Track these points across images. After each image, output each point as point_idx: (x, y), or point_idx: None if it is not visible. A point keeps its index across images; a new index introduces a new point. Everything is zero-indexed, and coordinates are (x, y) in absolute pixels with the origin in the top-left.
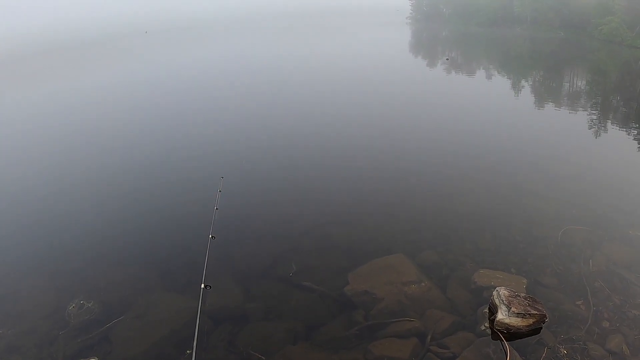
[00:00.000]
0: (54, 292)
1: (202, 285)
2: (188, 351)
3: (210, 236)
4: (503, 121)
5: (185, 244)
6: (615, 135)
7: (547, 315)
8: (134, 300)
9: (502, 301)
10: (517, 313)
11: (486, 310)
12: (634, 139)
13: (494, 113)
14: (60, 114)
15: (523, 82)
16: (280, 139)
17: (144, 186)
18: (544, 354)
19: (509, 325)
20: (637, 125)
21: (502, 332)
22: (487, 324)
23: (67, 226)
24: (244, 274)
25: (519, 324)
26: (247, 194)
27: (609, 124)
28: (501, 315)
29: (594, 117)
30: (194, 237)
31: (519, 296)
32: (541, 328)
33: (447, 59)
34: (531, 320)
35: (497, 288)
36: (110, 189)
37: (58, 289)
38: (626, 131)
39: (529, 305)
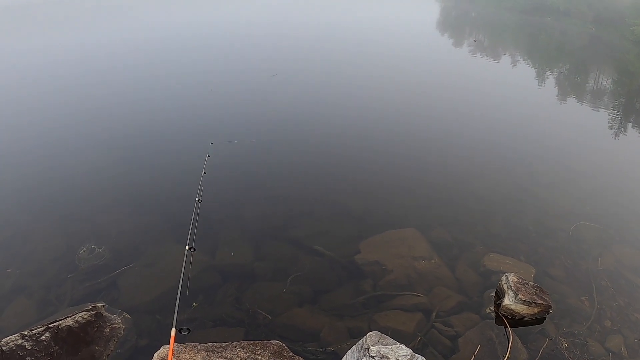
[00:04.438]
0: (65, 235)
1: (187, 247)
2: (194, 304)
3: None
4: (524, 110)
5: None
6: (637, 138)
7: (552, 307)
8: (144, 249)
9: (510, 287)
10: (524, 300)
11: (493, 294)
12: None
13: (516, 101)
14: (47, 72)
15: (548, 73)
16: (290, 108)
17: (135, 145)
18: (545, 344)
19: (514, 311)
20: None
21: (506, 318)
22: (492, 308)
23: (80, 173)
24: (255, 234)
25: (524, 312)
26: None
27: (630, 126)
28: (508, 301)
29: (616, 117)
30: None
31: (527, 284)
32: (545, 318)
33: (475, 40)
34: (536, 310)
35: (506, 273)
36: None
37: (69, 232)
38: None
39: (536, 294)
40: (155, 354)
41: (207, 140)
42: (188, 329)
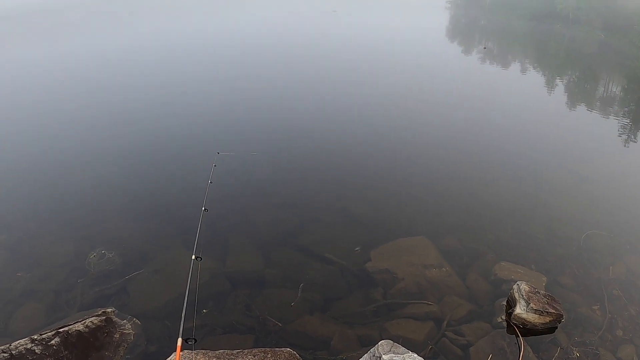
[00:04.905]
0: (75, 240)
1: (193, 257)
2: (205, 310)
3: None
4: (534, 117)
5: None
6: None
7: (563, 316)
8: (153, 255)
9: (522, 296)
10: (536, 309)
11: (504, 303)
12: None
13: (526, 108)
14: (59, 80)
15: (557, 81)
16: (298, 115)
17: (143, 153)
18: (556, 354)
19: (525, 320)
20: None
21: (517, 327)
22: (503, 317)
23: (90, 179)
24: (265, 242)
25: (535, 321)
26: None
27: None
28: (519, 310)
29: (626, 124)
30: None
31: (539, 293)
32: (556, 327)
33: (485, 48)
34: (548, 319)
35: (517, 282)
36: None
37: (79, 237)
38: None
39: (548, 303)
40: None
41: (214, 150)
42: (194, 338)
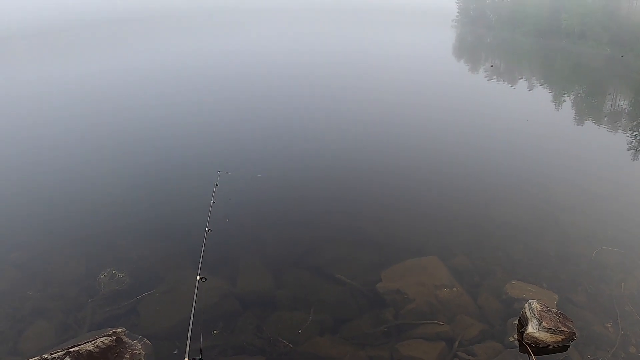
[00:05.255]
0: (86, 259)
1: (198, 278)
2: (215, 331)
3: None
4: (543, 134)
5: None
6: None
7: (576, 334)
8: (163, 276)
9: (534, 314)
10: (548, 328)
11: (516, 322)
12: None
13: (535, 125)
14: (55, 101)
15: (565, 97)
16: (304, 133)
17: (145, 172)
18: None
19: (538, 339)
20: None
21: (530, 346)
22: (516, 336)
23: (96, 199)
24: (274, 262)
25: (548, 339)
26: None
27: None
28: (531, 329)
29: (635, 138)
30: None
31: (551, 311)
32: (569, 346)
33: (492, 66)
34: (560, 337)
35: (529, 301)
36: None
37: (90, 256)
38: None
39: (560, 321)
40: None
41: (215, 169)
42: (201, 358)
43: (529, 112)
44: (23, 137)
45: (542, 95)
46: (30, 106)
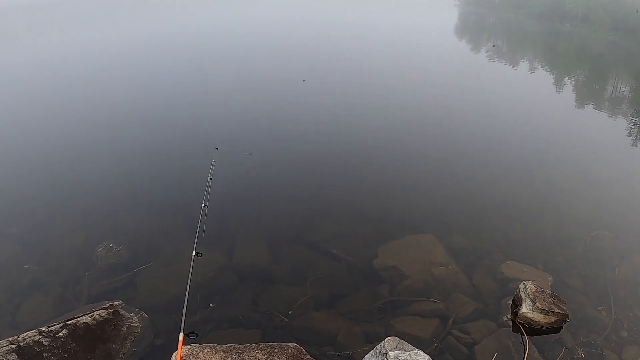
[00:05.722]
0: (84, 233)
1: (194, 253)
2: (211, 305)
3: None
4: (543, 117)
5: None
6: None
7: (569, 316)
8: (162, 249)
9: (528, 295)
10: (541, 309)
11: (510, 302)
12: None
13: (535, 107)
14: (62, 76)
15: (566, 80)
16: (303, 109)
17: (143, 148)
18: (561, 354)
19: (531, 320)
20: None
21: (523, 326)
22: (509, 316)
23: (93, 173)
24: (272, 237)
25: (541, 320)
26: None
27: None
28: (525, 309)
29: (634, 124)
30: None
31: (545, 293)
32: (562, 327)
33: (494, 46)
34: (553, 319)
35: (524, 281)
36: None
37: (88, 230)
38: None
39: (554, 303)
40: (173, 355)
41: (213, 146)
42: (196, 333)
43: (530, 95)
44: (19, 112)
45: (543, 77)
46: (26, 78)
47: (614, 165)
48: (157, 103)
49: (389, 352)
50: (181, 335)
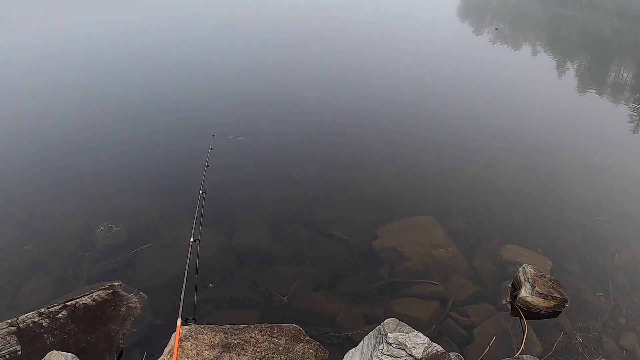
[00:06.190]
0: (83, 213)
1: (192, 239)
2: (210, 285)
3: (200, 192)
4: (544, 102)
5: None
6: None
7: (567, 301)
8: (161, 230)
9: (528, 279)
10: (541, 293)
11: (509, 285)
12: None
13: (537, 92)
14: (58, 61)
15: (568, 65)
16: (302, 92)
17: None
18: (559, 338)
19: (530, 303)
20: None
21: (522, 310)
22: (508, 299)
23: (97, 154)
24: (272, 218)
25: (540, 304)
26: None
27: None
28: (524, 293)
29: (637, 111)
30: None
31: (544, 277)
32: (560, 312)
33: (496, 29)
34: (552, 303)
35: (523, 265)
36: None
37: (86, 211)
38: None
39: (553, 287)
40: (172, 335)
41: (209, 132)
42: (194, 318)
43: (532, 79)
44: (18, 93)
45: (546, 62)
46: (25, 60)
47: (616, 151)
48: (156, 88)
49: (389, 334)
50: (179, 321)
